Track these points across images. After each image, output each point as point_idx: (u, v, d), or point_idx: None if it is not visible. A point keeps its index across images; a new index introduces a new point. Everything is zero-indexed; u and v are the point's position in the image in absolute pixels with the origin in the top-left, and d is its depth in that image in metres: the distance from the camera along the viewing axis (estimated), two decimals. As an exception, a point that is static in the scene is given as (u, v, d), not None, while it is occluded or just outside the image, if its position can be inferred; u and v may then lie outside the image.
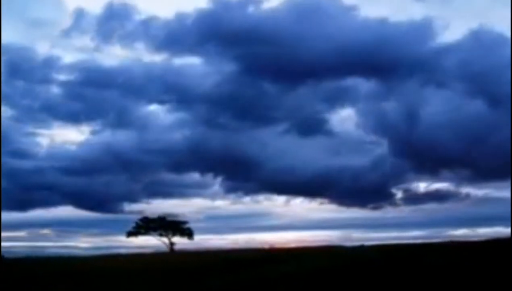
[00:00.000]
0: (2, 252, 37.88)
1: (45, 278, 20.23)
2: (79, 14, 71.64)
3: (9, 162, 63.51)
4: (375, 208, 68.61)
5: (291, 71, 65.86)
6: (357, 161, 66.77)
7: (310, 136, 70.72)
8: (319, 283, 14.85)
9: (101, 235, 72.54)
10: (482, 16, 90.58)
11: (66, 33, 72.04)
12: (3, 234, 59.07)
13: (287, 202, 77.68)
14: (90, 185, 70.64)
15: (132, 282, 18.27)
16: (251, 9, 64.41)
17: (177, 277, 19.00)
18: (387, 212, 70.74)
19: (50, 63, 70.96)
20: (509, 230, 40.47)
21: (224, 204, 78.05)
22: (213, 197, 74.42)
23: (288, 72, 66.30)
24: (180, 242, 54.01)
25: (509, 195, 58.37)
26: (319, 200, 71.68)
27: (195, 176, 72.81)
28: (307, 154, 68.09)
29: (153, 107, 75.90)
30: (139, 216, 55.92)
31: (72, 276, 20.78)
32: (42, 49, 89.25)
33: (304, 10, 61.46)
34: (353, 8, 63.07)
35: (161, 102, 72.86)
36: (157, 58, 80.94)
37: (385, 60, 62.13)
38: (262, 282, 15.89)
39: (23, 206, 67.87)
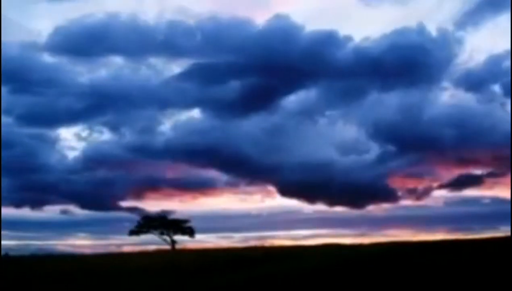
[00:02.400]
0: (6, 251, 38.31)
1: (48, 277, 20.39)
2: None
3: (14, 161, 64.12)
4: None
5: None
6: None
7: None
8: (320, 281, 15.01)
9: (103, 233, 72.87)
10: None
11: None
12: (8, 232, 59.79)
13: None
14: (92, 183, 71.25)
15: (135, 281, 18.49)
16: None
17: (180, 275, 19.21)
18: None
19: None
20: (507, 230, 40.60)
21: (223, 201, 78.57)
22: (212, 193, 75.12)
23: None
24: (182, 240, 54.49)
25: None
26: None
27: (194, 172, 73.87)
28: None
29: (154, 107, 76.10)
30: (141, 214, 56.47)
31: (75, 274, 20.96)
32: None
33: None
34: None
35: (161, 101, 73.31)
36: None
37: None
38: (263, 280, 16.06)
39: (26, 204, 68.58)
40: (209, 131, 70.46)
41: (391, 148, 68.03)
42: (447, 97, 70.69)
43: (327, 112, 73.36)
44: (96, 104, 72.30)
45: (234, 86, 69.02)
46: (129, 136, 73.70)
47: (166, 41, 69.86)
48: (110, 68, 73.77)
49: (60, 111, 71.12)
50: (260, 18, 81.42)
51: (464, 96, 68.18)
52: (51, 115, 71.79)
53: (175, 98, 72.56)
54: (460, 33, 71.09)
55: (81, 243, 69.90)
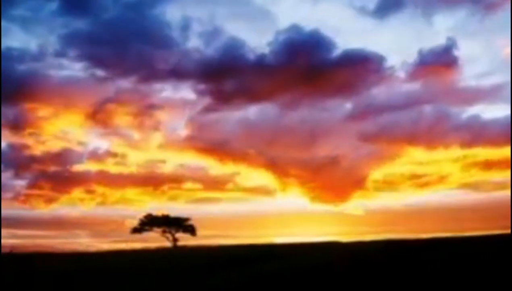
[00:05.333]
0: (10, 248, 38.66)
1: (50, 274, 20.56)
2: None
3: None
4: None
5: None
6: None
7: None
8: (319, 279, 15.09)
9: (106, 231, 73.32)
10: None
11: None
12: (12, 231, 60.48)
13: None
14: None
15: (137, 278, 18.67)
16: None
17: (181, 272, 19.40)
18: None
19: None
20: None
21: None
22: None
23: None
24: (183, 238, 54.93)
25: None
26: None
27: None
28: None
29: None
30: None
31: (77, 272, 21.08)
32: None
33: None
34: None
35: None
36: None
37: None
38: (263, 278, 16.12)
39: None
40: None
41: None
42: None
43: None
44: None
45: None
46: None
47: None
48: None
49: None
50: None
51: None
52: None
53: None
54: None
55: (84, 240, 70.43)
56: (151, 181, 73.74)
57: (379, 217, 75.71)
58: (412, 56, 73.01)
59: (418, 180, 71.63)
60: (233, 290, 14.85)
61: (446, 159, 68.75)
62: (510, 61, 54.55)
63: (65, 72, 69.68)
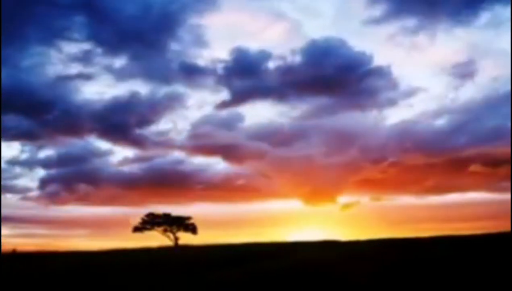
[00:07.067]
0: (15, 247, 38.78)
1: (53, 273, 20.66)
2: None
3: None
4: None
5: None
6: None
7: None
8: (318, 277, 15.20)
9: (107, 230, 73.61)
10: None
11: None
12: (15, 230, 60.87)
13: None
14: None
15: (138, 277, 18.78)
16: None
17: (182, 271, 19.52)
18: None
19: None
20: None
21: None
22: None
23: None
24: (184, 237, 55.06)
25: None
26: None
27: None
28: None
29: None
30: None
31: (79, 270, 21.18)
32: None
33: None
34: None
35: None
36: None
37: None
38: (262, 276, 16.23)
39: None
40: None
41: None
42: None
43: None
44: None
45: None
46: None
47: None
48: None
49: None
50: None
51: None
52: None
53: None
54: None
55: (85, 239, 70.71)
56: (154, 180, 74.13)
57: (379, 217, 76.01)
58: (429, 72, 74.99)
59: (416, 181, 71.99)
60: (233, 288, 14.96)
61: (445, 161, 69.27)
62: (510, 66, 54.97)
63: (79, 76, 70.41)
